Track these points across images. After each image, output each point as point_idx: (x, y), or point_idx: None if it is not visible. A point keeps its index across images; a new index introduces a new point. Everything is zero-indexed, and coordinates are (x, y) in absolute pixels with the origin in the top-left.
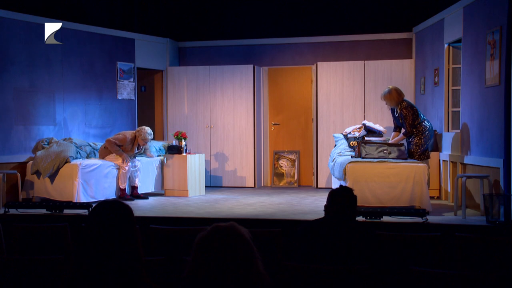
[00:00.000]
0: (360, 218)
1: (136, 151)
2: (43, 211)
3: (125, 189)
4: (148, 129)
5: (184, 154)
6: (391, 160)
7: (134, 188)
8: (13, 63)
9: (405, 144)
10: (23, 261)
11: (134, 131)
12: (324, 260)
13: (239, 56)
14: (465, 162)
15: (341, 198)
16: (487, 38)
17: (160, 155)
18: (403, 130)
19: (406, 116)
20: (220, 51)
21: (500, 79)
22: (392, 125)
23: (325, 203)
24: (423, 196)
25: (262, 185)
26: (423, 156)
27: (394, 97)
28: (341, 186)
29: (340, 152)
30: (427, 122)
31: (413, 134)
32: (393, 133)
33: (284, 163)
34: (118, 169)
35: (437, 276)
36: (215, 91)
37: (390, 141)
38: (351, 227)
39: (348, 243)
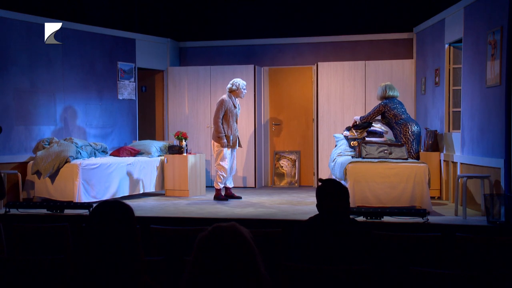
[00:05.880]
0: (360, 218)
1: (237, 109)
2: (44, 211)
3: (220, 189)
4: (235, 79)
5: (185, 154)
6: (391, 160)
7: (227, 188)
8: (13, 63)
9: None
10: (23, 261)
11: (223, 96)
12: (321, 259)
13: (239, 56)
14: (465, 162)
15: (331, 192)
16: (488, 38)
17: (160, 155)
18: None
19: (373, 109)
20: (221, 51)
21: (501, 79)
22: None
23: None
24: (423, 196)
25: (263, 185)
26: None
27: (383, 93)
28: (321, 180)
29: (340, 152)
30: (415, 125)
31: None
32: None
33: (284, 163)
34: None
35: (437, 276)
36: (216, 91)
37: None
38: (347, 224)
39: (344, 241)
